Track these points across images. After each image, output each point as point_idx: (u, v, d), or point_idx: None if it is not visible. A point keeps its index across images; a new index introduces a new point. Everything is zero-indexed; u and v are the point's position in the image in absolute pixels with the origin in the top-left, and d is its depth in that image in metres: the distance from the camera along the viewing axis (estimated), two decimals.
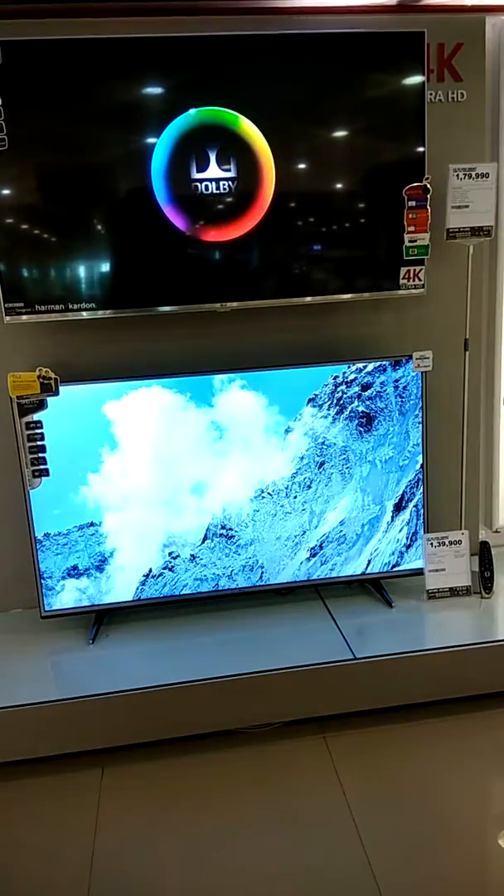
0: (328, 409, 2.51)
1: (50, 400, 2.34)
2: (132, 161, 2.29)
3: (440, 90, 2.48)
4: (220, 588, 2.56)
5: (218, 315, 2.44)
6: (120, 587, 2.50)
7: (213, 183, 2.32)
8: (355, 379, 2.50)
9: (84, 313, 2.36)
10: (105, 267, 2.37)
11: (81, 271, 2.35)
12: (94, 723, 2.19)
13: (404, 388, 2.53)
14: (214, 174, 2.31)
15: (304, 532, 2.57)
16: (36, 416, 2.36)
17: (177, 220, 2.33)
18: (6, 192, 2.25)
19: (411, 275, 2.50)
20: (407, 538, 2.62)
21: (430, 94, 2.44)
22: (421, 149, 2.40)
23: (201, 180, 2.31)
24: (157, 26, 2.28)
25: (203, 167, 2.30)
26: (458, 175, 2.38)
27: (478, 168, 2.38)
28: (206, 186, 2.31)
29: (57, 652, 2.45)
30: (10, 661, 2.40)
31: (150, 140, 2.27)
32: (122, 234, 2.37)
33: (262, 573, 2.58)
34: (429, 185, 2.41)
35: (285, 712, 2.32)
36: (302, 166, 2.40)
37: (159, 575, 2.52)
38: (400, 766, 2.18)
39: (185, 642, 2.44)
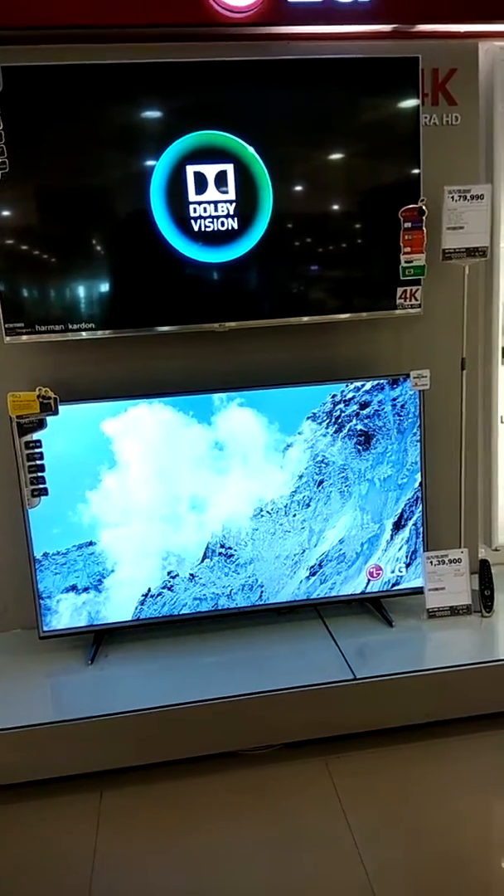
0: (327, 428, 2.52)
1: (49, 419, 2.35)
2: (131, 183, 2.32)
3: (435, 114, 2.53)
4: (220, 607, 2.55)
5: (217, 334, 2.46)
6: (119, 607, 2.49)
7: (212, 205, 2.34)
8: (353, 397, 2.52)
9: (84, 333, 2.38)
10: (104, 287, 2.39)
11: (81, 292, 2.37)
12: (92, 745, 2.17)
13: (402, 406, 2.54)
14: (212, 196, 2.34)
15: (304, 551, 2.57)
16: (35, 436, 2.36)
17: (175, 242, 2.36)
18: (7, 213, 2.27)
19: (408, 295, 2.52)
20: (406, 556, 2.62)
21: (425, 118, 2.48)
22: (416, 171, 2.43)
23: (200, 202, 2.34)
24: (156, 52, 2.32)
25: (201, 190, 2.33)
26: (452, 197, 2.41)
27: (472, 190, 2.42)
28: (205, 209, 2.34)
29: (55, 672, 2.43)
30: (9, 681, 2.38)
31: (149, 163, 2.30)
32: (121, 255, 2.39)
33: (262, 592, 2.57)
34: (424, 207, 2.44)
35: (285, 734, 2.30)
36: (299, 188, 2.43)
37: (158, 594, 2.51)
38: (401, 787, 2.16)
39: (184, 662, 2.43)
